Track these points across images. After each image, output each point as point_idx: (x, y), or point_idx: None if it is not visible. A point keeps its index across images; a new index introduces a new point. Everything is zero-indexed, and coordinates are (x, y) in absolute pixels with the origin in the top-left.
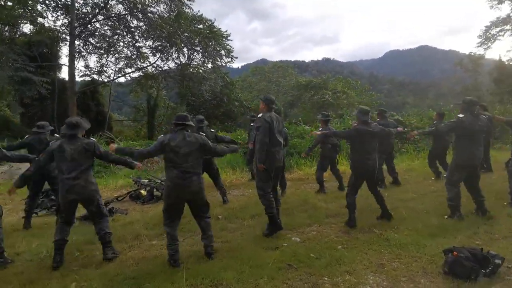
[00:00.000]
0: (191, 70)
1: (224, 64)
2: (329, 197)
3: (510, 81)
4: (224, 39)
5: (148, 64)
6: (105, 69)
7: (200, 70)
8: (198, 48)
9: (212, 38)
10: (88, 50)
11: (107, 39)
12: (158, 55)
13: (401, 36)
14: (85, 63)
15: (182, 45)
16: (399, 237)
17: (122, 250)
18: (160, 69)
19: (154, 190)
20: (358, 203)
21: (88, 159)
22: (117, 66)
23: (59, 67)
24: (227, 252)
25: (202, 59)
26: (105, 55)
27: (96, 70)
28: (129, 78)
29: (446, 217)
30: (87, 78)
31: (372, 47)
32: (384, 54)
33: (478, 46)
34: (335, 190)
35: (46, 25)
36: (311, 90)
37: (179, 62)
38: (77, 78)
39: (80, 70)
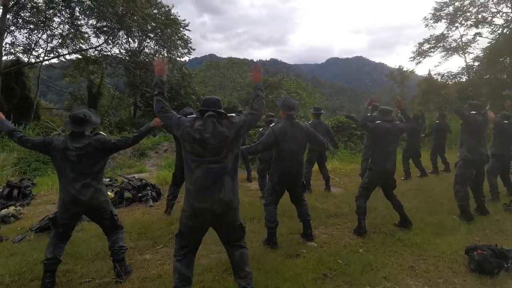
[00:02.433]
0: (142, 58)
1: (180, 56)
2: (320, 197)
3: (437, 92)
4: (181, 28)
5: (90, 47)
6: (34, 47)
7: (155, 59)
8: (152, 35)
9: (168, 26)
10: (18, 25)
11: (41, 13)
12: (102, 37)
13: (341, 45)
14: (12, 39)
15: (133, 29)
16: (409, 237)
17: (109, 270)
18: (105, 53)
19: (125, 191)
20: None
21: (99, 161)
22: (48, 45)
23: None
24: None
25: (155, 47)
26: (35, 31)
27: (23, 48)
28: (63, 60)
29: (455, 217)
30: (11, 57)
31: (316, 52)
32: (326, 60)
33: (411, 60)
34: (321, 190)
35: None
36: (266, 88)
37: (128, 48)
38: None
39: (5, 47)
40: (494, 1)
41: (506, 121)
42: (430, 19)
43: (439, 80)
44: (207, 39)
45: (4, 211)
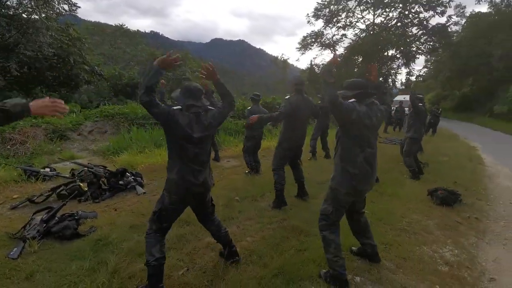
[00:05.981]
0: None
1: (59, 13)
2: None
3: (317, 81)
4: None
5: None
6: None
7: (31, 14)
8: None
9: None
10: None
11: None
12: None
13: (224, 26)
14: None
15: None
16: (384, 190)
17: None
18: None
19: (101, 180)
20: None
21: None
22: None
23: None
24: None
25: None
26: None
27: None
28: None
29: (405, 176)
30: None
31: (200, 30)
32: (211, 40)
33: (298, 50)
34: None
35: None
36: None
37: None
38: None
39: None
40: (360, 8)
41: None
42: (312, 17)
43: (316, 70)
44: None
45: None
